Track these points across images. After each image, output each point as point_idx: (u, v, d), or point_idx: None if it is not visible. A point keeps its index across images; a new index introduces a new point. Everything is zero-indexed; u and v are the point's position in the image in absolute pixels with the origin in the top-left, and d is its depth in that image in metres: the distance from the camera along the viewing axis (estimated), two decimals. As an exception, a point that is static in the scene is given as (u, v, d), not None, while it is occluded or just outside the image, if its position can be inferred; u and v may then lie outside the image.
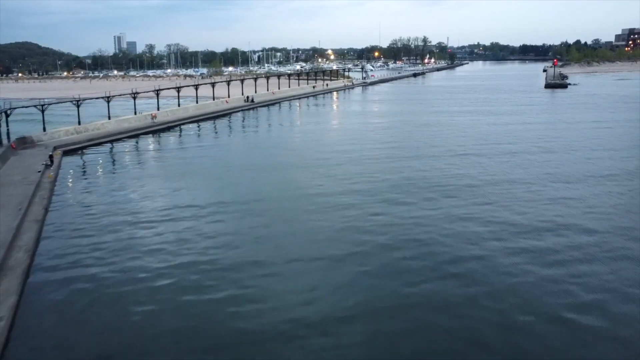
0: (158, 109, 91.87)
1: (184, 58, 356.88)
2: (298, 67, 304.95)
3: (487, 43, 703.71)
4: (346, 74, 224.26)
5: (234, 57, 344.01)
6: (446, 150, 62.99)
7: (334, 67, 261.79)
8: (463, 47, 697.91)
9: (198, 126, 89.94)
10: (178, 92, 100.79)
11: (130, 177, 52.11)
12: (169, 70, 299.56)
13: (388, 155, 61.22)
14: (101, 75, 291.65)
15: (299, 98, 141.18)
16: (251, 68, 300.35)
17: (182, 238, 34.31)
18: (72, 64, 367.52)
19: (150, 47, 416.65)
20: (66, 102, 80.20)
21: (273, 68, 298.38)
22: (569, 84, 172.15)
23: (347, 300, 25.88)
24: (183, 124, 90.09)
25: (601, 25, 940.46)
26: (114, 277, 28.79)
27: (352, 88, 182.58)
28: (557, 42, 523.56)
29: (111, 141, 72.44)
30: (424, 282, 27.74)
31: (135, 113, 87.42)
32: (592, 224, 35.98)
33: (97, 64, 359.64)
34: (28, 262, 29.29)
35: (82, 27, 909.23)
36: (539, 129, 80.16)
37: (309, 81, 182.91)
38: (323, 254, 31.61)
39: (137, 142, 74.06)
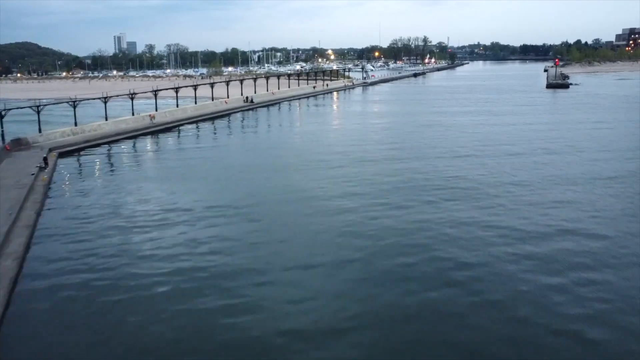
0: (156, 110, 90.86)
1: (184, 58, 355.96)
2: (298, 67, 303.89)
3: (488, 43, 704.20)
4: (346, 74, 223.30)
5: (234, 57, 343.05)
6: (448, 152, 62.02)
7: (334, 67, 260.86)
8: (463, 47, 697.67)
9: (197, 127, 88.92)
10: (176, 92, 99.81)
11: (127, 179, 51.13)
12: (168, 71, 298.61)
13: (389, 156, 60.26)
14: (100, 75, 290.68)
15: (299, 98, 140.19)
16: (251, 68, 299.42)
17: (178, 243, 33.32)
18: (71, 64, 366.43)
19: (150, 47, 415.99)
20: (62, 103, 79.08)
21: (273, 68, 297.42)
22: (571, 84, 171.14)
23: (345, 310, 24.87)
24: (181, 124, 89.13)
25: (601, 25, 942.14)
26: (105, 285, 27.82)
27: (353, 88, 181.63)
28: (557, 42, 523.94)
29: (108, 143, 71.46)
30: (426, 290, 26.74)
31: (132, 114, 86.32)
32: (600, 228, 35.00)
33: (97, 64, 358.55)
34: (17, 270, 28.30)
35: (82, 27, 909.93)
36: (541, 129, 79.16)
37: (309, 81, 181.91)
38: (321, 260, 30.63)
39: (134, 144, 73.08)
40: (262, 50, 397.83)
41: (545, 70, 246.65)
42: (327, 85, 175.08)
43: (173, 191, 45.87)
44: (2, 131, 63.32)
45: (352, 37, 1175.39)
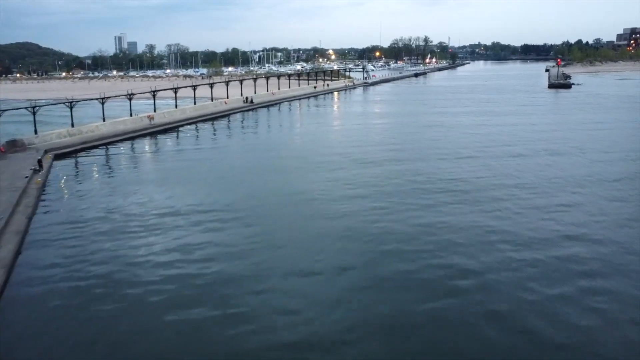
0: (155, 110, 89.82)
1: (185, 58, 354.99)
2: (299, 67, 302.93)
3: (488, 43, 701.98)
4: (347, 74, 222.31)
5: (234, 57, 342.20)
6: (450, 153, 60.97)
7: (335, 67, 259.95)
8: (464, 46, 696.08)
9: (196, 128, 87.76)
10: (175, 93, 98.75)
11: (123, 182, 50.06)
12: (168, 71, 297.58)
13: (390, 158, 59.21)
14: (100, 75, 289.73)
15: (300, 99, 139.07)
16: (251, 68, 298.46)
17: (172, 249, 32.31)
18: (72, 64, 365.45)
19: (151, 47, 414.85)
20: (59, 103, 78.00)
21: (274, 68, 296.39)
22: (573, 84, 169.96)
23: (345, 320, 23.87)
24: (180, 125, 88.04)
25: (601, 25, 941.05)
26: (96, 294, 26.81)
27: (354, 88, 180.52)
28: (558, 42, 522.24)
29: (106, 144, 70.26)
30: (429, 299, 25.69)
31: (131, 115, 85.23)
32: (608, 233, 33.93)
33: (97, 64, 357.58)
34: (4, 277, 27.28)
35: (82, 27, 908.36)
36: (545, 130, 78.15)
37: (310, 81, 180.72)
38: (321, 266, 29.63)
39: (132, 145, 71.95)
40: (262, 50, 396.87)
41: (547, 70, 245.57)
42: (327, 85, 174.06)
43: (170, 194, 44.84)
44: (-2, 132, 62.31)
45: (352, 37, 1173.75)
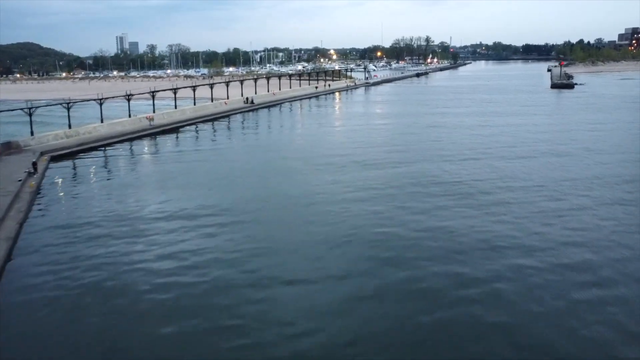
0: (154, 111, 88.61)
1: (186, 58, 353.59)
2: (300, 67, 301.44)
3: (490, 43, 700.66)
4: (348, 74, 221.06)
5: (235, 58, 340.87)
6: (454, 154, 59.79)
7: (336, 67, 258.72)
8: (465, 46, 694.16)
9: (196, 129, 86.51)
10: (174, 93, 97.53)
11: (120, 185, 48.84)
12: (169, 71, 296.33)
13: (393, 159, 58.04)
14: (101, 76, 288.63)
15: (301, 99, 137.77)
16: (253, 68, 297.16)
17: (167, 255, 31.12)
18: (73, 64, 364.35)
19: (152, 48, 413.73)
20: (55, 104, 76.75)
21: (275, 68, 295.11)
22: (576, 84, 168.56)
23: (348, 332, 22.75)
24: (180, 126, 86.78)
25: (602, 25, 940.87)
26: (86, 303, 25.71)
27: (355, 88, 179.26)
28: (558, 42, 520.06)
29: (104, 146, 69.02)
30: (437, 309, 24.53)
31: (129, 115, 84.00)
32: (621, 238, 32.75)
33: (98, 64, 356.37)
34: (-9, 287, 26.12)
35: (84, 27, 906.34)
36: (550, 131, 77.03)
37: (311, 81, 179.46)
38: (321, 274, 28.48)
39: (130, 147, 70.69)
40: (264, 51, 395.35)
41: (549, 70, 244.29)
42: (329, 85, 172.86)
43: (167, 198, 43.65)
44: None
45: (354, 37, 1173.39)
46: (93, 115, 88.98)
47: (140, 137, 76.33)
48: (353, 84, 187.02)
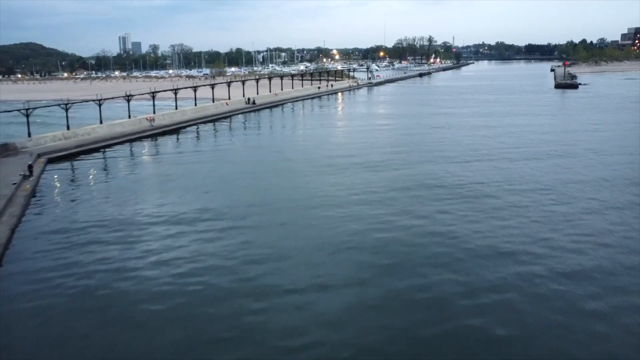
0: (154, 112, 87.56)
1: (188, 58, 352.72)
2: (302, 67, 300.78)
3: (492, 43, 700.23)
4: (351, 74, 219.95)
5: (238, 58, 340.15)
6: (460, 155, 58.64)
7: (339, 67, 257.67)
8: (468, 46, 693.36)
9: (197, 130, 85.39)
10: (175, 94, 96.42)
11: (117, 188, 47.63)
12: (171, 71, 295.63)
13: (397, 160, 56.93)
14: (103, 76, 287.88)
15: (303, 99, 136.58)
16: (255, 68, 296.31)
17: (162, 262, 30.02)
18: (75, 64, 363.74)
19: (154, 48, 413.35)
20: (53, 105, 75.62)
21: (277, 68, 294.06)
22: (580, 84, 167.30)
23: (351, 346, 21.64)
24: (181, 127, 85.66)
25: (605, 25, 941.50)
26: (78, 314, 24.62)
27: (358, 89, 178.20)
28: (561, 42, 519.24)
29: (103, 147, 67.89)
30: (444, 319, 23.43)
31: (129, 116, 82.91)
32: (638, 244, 31.52)
33: (101, 64, 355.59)
34: (-22, 296, 25.07)
35: (87, 28, 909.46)
36: (556, 131, 75.88)
37: (313, 82, 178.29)
38: (323, 281, 27.37)
39: (130, 148, 69.61)
40: (266, 51, 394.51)
41: (552, 70, 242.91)
42: (331, 85, 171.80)
43: (165, 201, 42.56)
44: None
45: (356, 37, 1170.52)
46: (94, 116, 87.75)
47: (140, 139, 75.23)
48: (356, 84, 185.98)
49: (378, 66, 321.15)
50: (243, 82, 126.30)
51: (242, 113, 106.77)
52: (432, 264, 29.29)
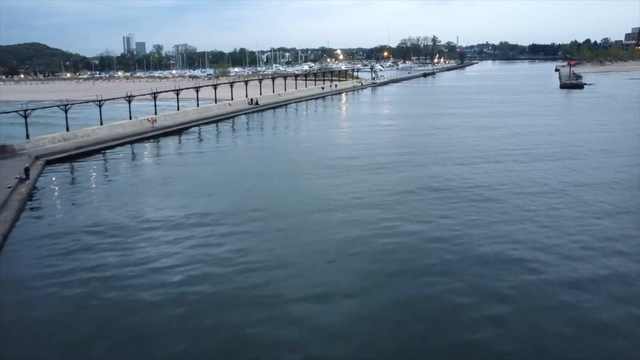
0: (156, 113, 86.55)
1: (192, 59, 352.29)
2: (306, 67, 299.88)
3: (496, 42, 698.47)
4: (355, 74, 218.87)
5: (242, 58, 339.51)
6: (466, 156, 57.49)
7: (343, 67, 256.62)
8: (472, 46, 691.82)
9: (199, 131, 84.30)
10: (177, 94, 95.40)
11: (115, 192, 46.51)
12: (174, 71, 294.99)
13: (402, 162, 55.80)
14: (106, 76, 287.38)
15: (307, 100, 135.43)
16: (259, 68, 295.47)
17: (158, 269, 29.05)
18: (79, 64, 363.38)
19: (158, 48, 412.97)
20: (52, 106, 74.54)
21: (281, 68, 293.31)
22: (585, 84, 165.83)
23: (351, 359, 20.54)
24: (183, 128, 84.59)
25: (608, 25, 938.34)
26: (70, 321, 23.70)
27: (362, 89, 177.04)
28: (565, 41, 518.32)
29: (103, 149, 66.84)
30: (453, 331, 22.30)
31: (130, 117, 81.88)
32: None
33: (105, 65, 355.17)
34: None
35: (91, 28, 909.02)
36: (563, 132, 74.72)
37: (317, 82, 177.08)
38: (325, 290, 26.28)
39: (131, 150, 68.56)
40: (270, 51, 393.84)
41: (557, 70, 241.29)
42: (335, 85, 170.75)
43: (164, 206, 41.38)
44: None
45: (360, 37, 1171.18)
46: (95, 117, 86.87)
47: (141, 140, 74.22)
48: (360, 84, 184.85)
49: (382, 66, 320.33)
50: (246, 83, 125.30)
51: (245, 114, 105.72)
52: (438, 272, 28.16)
